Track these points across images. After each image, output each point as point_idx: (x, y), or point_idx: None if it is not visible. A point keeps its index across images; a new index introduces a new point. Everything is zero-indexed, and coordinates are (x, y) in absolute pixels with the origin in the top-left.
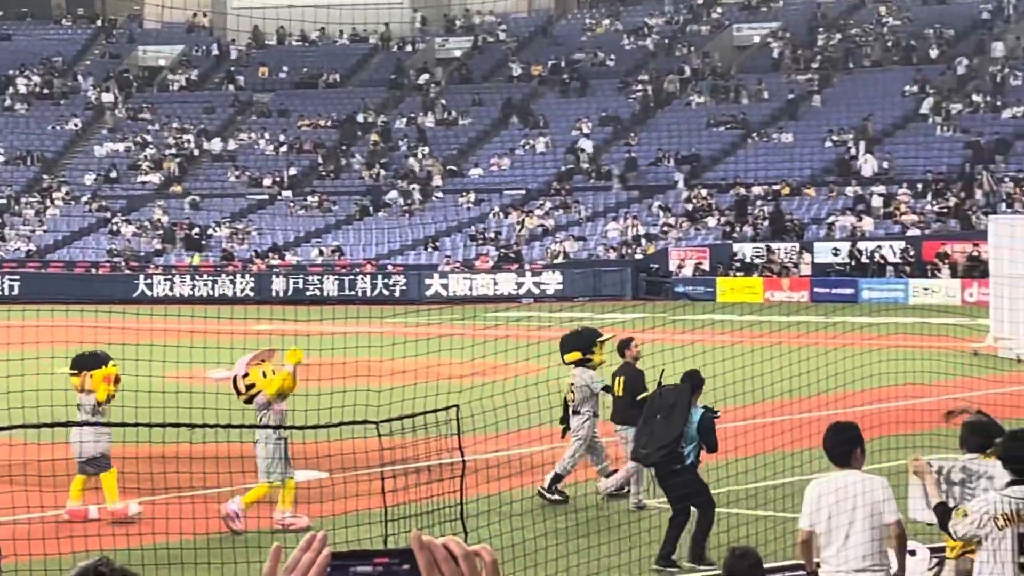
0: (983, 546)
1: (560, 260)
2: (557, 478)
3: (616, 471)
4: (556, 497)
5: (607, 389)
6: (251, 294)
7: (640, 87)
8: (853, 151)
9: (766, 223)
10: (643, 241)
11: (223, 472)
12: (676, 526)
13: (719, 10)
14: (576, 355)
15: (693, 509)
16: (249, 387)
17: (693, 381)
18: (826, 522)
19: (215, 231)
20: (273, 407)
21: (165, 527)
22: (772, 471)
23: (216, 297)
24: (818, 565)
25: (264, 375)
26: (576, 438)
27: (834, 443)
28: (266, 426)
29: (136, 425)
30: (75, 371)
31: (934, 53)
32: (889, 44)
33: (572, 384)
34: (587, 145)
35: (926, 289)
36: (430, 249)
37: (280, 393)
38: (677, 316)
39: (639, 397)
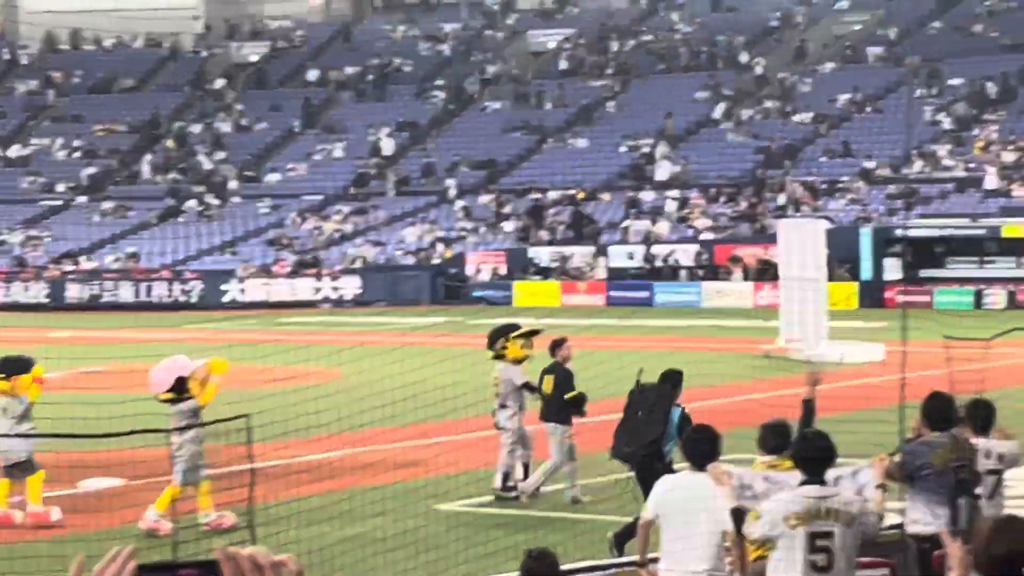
0: (776, 546)
1: (358, 265)
2: (506, 476)
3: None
4: (511, 495)
5: (528, 387)
6: (46, 301)
7: (437, 93)
8: (651, 152)
9: (562, 228)
10: (441, 246)
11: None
12: None
13: (514, 16)
14: (490, 352)
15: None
16: (184, 390)
17: (674, 380)
18: (669, 517)
19: (8, 237)
20: (198, 416)
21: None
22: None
23: (9, 304)
24: (654, 560)
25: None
26: (505, 432)
27: (695, 446)
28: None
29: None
30: (3, 375)
31: (725, 59)
32: (682, 50)
33: (497, 378)
34: (385, 150)
35: (719, 292)
36: (227, 255)
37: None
38: (475, 320)
39: (567, 397)
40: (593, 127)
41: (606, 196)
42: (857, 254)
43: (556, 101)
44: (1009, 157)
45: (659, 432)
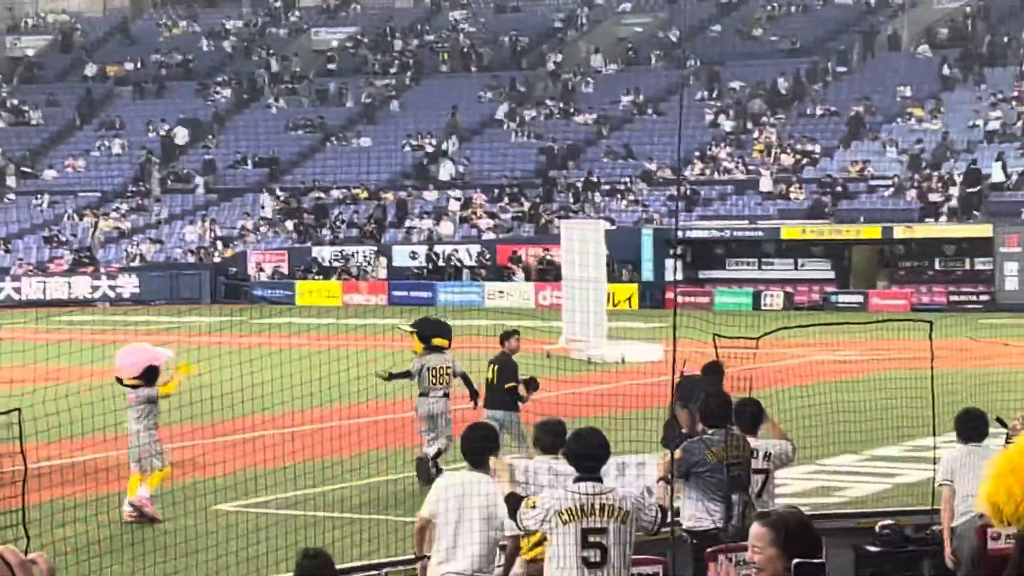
0: (549, 541)
1: (137, 263)
2: (439, 453)
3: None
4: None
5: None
6: None
7: (219, 90)
8: (434, 152)
9: (344, 226)
10: (221, 244)
11: None
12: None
13: (297, 14)
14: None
15: None
16: (154, 379)
17: (719, 371)
18: (444, 515)
19: None
20: (156, 404)
21: None
22: (339, 471)
23: None
24: (428, 557)
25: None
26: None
27: (473, 443)
28: None
29: None
30: None
31: (509, 60)
32: (465, 50)
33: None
34: (166, 147)
35: (501, 292)
36: (2, 252)
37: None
38: (254, 319)
39: (507, 386)
40: (376, 126)
41: (389, 195)
42: (638, 255)
43: (339, 99)
44: (787, 160)
45: None
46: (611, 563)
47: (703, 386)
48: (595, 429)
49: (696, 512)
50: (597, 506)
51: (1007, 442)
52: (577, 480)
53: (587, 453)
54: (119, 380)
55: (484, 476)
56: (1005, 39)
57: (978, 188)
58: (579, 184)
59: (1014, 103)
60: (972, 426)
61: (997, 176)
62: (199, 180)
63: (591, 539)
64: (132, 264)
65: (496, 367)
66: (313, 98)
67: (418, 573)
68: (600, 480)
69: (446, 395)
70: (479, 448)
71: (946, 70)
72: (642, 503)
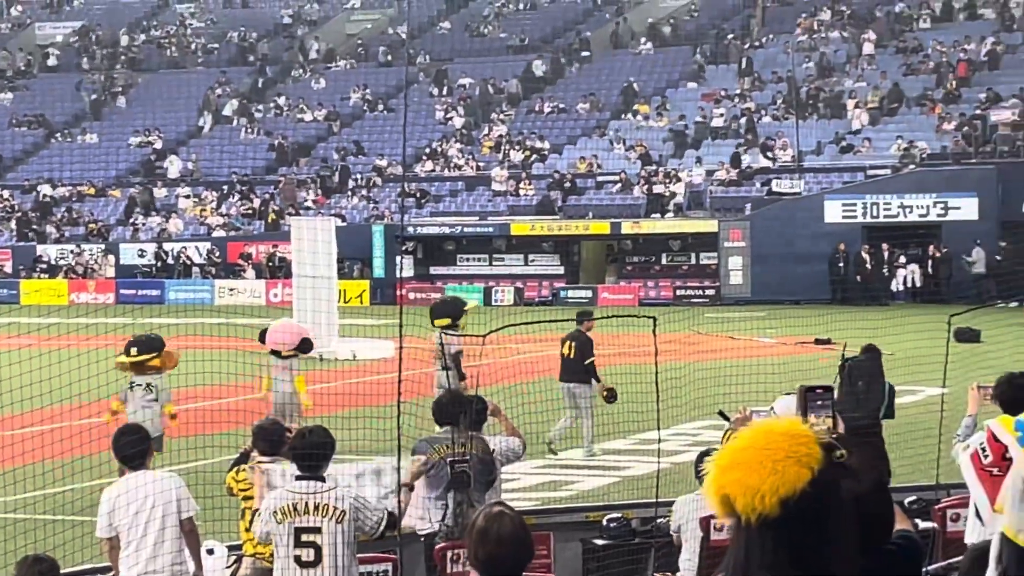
0: (274, 542)
1: None
2: None
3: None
4: None
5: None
6: None
7: None
8: (163, 148)
9: (69, 225)
10: None
11: None
12: None
13: (19, 8)
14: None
15: None
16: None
17: (878, 353)
18: (124, 524)
19: None
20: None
21: None
22: (62, 475)
23: None
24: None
25: None
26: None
27: (123, 449)
28: None
29: None
30: (155, 353)
31: (238, 55)
32: (193, 46)
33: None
34: None
35: (232, 290)
36: None
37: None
38: None
39: (587, 362)
40: (103, 122)
41: (116, 192)
42: (370, 252)
43: (59, 95)
44: (517, 156)
45: (880, 401)
46: (324, 563)
47: (866, 367)
48: (320, 427)
49: (419, 513)
50: (312, 505)
51: (724, 434)
52: (298, 479)
53: (306, 453)
54: (274, 352)
55: (147, 473)
56: (729, 37)
57: (743, 168)
58: (308, 180)
59: (736, 100)
60: None
61: (763, 162)
62: None
63: (304, 538)
64: None
65: (573, 344)
66: (34, 94)
67: None
68: (321, 479)
69: (444, 368)
70: (130, 454)
71: (671, 67)
72: (365, 505)
